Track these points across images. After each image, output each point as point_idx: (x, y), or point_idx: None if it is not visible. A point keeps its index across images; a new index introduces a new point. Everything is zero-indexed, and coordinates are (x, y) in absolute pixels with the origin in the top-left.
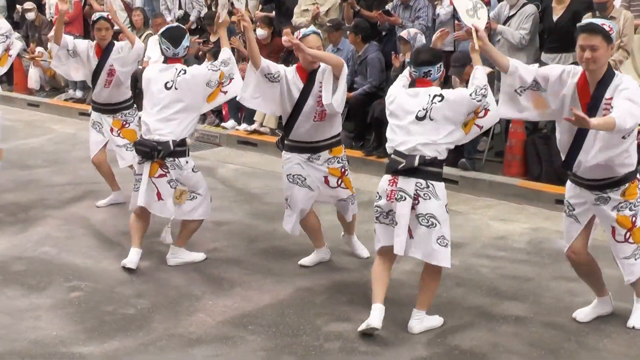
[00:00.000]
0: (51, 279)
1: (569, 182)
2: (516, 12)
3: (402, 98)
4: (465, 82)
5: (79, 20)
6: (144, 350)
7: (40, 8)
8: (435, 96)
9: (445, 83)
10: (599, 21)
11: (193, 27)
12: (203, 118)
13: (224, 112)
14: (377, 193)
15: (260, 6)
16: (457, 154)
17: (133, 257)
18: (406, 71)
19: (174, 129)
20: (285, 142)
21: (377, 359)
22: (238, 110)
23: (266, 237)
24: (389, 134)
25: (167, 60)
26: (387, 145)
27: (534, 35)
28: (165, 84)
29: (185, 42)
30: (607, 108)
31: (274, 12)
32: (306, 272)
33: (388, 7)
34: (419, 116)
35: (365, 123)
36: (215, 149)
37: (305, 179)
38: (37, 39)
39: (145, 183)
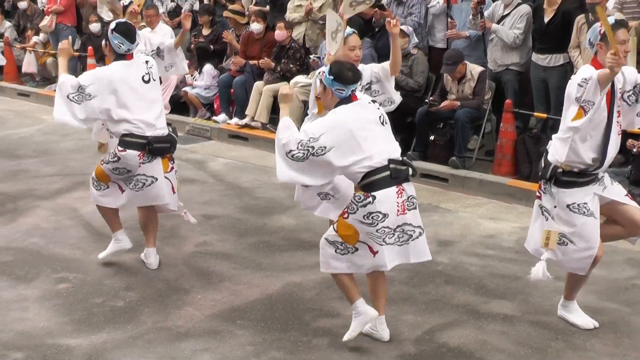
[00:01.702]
0: (39, 270)
1: (572, 189)
2: (510, 12)
3: (355, 113)
4: (456, 80)
5: (72, 11)
6: (132, 343)
7: None
8: (372, 101)
9: (437, 81)
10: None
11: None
12: (194, 111)
13: (215, 106)
14: (379, 214)
15: (254, 0)
16: (447, 152)
17: (154, 258)
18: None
19: (164, 119)
20: None
21: (365, 355)
22: (229, 104)
23: (256, 232)
24: (365, 150)
25: (126, 56)
26: (366, 163)
27: (528, 35)
28: (142, 77)
29: (138, 38)
30: (621, 95)
31: (267, 7)
32: (295, 267)
33: (383, 2)
34: (381, 121)
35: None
36: (206, 142)
37: None
38: (35, 27)
39: (164, 181)
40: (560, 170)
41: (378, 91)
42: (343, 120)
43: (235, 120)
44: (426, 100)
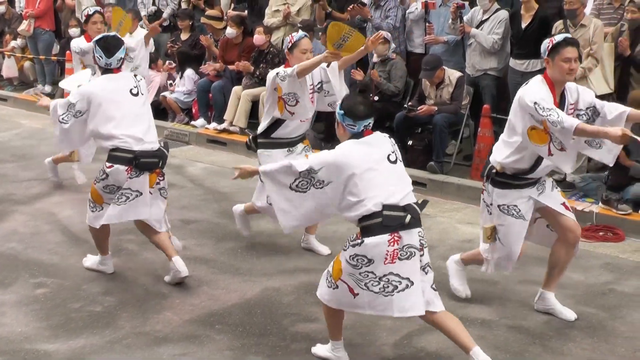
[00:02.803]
0: (17, 275)
1: (505, 190)
2: (489, 17)
3: (359, 151)
4: (435, 85)
5: (50, 15)
6: (110, 348)
7: (11, 1)
8: (388, 136)
9: (415, 86)
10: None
11: (165, 24)
12: (173, 116)
13: (193, 111)
14: (364, 258)
15: (233, 5)
16: (425, 157)
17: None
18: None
19: (154, 134)
20: (262, 140)
21: None
22: (208, 109)
23: (234, 237)
24: (361, 193)
25: (113, 70)
26: (360, 208)
27: (506, 40)
28: (130, 90)
29: (120, 54)
30: (572, 111)
31: (246, 12)
32: (274, 272)
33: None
34: (391, 160)
35: (335, 124)
36: (185, 147)
37: None
38: (13, 31)
39: (148, 196)
40: (494, 170)
41: (328, 92)
42: (345, 157)
43: (213, 125)
44: (404, 105)
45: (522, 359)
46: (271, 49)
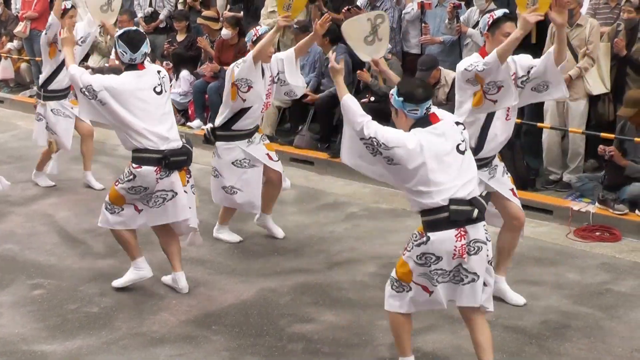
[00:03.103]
0: (14, 276)
1: None
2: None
3: (433, 141)
4: (432, 85)
5: (46, 17)
6: (106, 349)
7: (7, 2)
8: (457, 123)
9: None
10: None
11: (162, 25)
12: None
13: (189, 112)
14: (432, 255)
15: (229, 6)
16: None
17: (184, 282)
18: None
19: (177, 131)
20: (221, 133)
21: None
22: (204, 110)
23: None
24: (431, 184)
25: (137, 66)
26: (427, 199)
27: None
28: (154, 88)
29: (145, 48)
30: (514, 82)
31: (242, 12)
32: (270, 273)
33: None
34: (460, 150)
35: (331, 125)
36: None
37: (250, 160)
38: (9, 33)
39: (184, 195)
40: None
41: (284, 81)
42: (420, 146)
43: (209, 125)
44: None
45: (519, 359)
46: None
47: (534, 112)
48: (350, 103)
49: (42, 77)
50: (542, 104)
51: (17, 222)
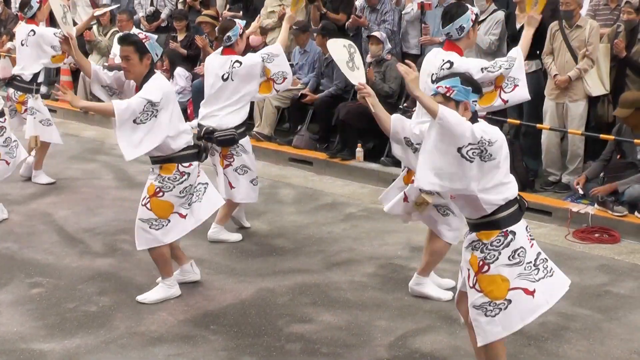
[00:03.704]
0: (12, 275)
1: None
2: (486, 18)
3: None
4: None
5: (46, 20)
6: (105, 348)
7: (7, 2)
8: None
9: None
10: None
11: (164, 24)
12: None
13: (188, 111)
14: (522, 249)
15: (228, 6)
16: None
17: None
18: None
19: None
20: (243, 129)
21: None
22: None
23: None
24: (509, 175)
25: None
26: (507, 192)
27: (503, 41)
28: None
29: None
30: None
31: (241, 12)
32: (268, 272)
33: (357, 5)
34: None
35: (330, 125)
36: None
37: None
38: (9, 32)
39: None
40: None
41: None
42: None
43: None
44: (400, 106)
45: None
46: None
47: (533, 113)
48: (450, 114)
49: (31, 73)
50: (541, 105)
51: (16, 220)
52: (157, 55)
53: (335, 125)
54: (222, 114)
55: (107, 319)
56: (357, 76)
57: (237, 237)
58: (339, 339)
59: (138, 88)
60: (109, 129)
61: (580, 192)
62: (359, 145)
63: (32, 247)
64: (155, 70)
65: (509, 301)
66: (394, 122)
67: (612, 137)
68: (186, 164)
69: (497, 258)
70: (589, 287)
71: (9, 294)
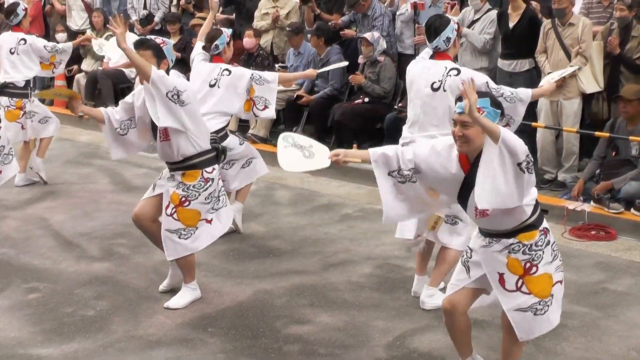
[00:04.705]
0: (9, 280)
1: None
2: (480, 17)
3: None
4: None
5: (39, 20)
6: (103, 352)
7: (0, 7)
8: None
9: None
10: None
11: (157, 27)
12: None
13: None
14: (555, 243)
15: (221, 8)
16: None
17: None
18: None
19: None
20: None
21: None
22: None
23: (226, 239)
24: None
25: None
26: (534, 194)
27: (497, 40)
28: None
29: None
30: None
31: (234, 15)
32: (265, 274)
33: (346, 11)
34: None
35: (325, 126)
36: None
37: None
38: None
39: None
40: None
41: None
42: None
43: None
44: (395, 107)
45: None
46: (261, 52)
47: (527, 111)
48: (508, 135)
49: (24, 79)
50: (535, 103)
51: (12, 226)
52: (172, 62)
53: (331, 126)
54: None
55: (104, 323)
56: (320, 159)
57: (238, 206)
58: (337, 339)
59: None
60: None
61: (581, 200)
62: (355, 145)
63: (28, 252)
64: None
65: (552, 296)
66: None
67: (607, 134)
68: (209, 169)
69: (542, 257)
70: (586, 285)
71: (6, 299)
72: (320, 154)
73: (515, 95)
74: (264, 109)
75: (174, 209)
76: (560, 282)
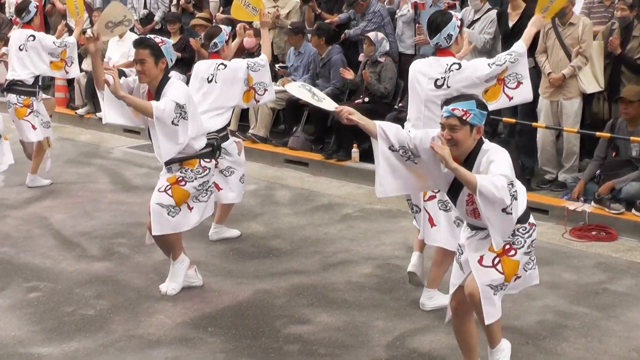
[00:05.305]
0: (10, 280)
1: None
2: (480, 17)
3: None
4: None
5: (40, 20)
6: (103, 351)
7: (1, 7)
8: None
9: (406, 87)
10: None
11: (157, 27)
12: None
13: None
14: (535, 239)
15: (221, 8)
16: None
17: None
18: None
19: None
20: (224, 133)
21: None
22: None
23: (225, 239)
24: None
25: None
26: (525, 198)
27: (497, 40)
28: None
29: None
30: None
31: None
32: (265, 274)
33: (345, 9)
34: None
35: (325, 126)
36: None
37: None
38: (3, 36)
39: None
40: None
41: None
42: None
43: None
44: (395, 107)
45: (516, 359)
46: (261, 52)
47: (527, 111)
48: (487, 185)
49: (32, 77)
50: (535, 102)
51: (12, 225)
52: (171, 61)
53: (331, 126)
54: (204, 117)
55: (105, 323)
56: (328, 104)
57: (236, 232)
58: (337, 339)
59: (151, 93)
60: (104, 133)
61: (582, 201)
62: (355, 145)
63: (29, 252)
64: (168, 76)
65: (507, 285)
66: (383, 129)
67: (608, 134)
68: (207, 159)
69: (522, 245)
70: (586, 285)
71: (6, 298)
72: (329, 103)
73: (514, 53)
74: (264, 93)
75: (169, 186)
76: (517, 277)
